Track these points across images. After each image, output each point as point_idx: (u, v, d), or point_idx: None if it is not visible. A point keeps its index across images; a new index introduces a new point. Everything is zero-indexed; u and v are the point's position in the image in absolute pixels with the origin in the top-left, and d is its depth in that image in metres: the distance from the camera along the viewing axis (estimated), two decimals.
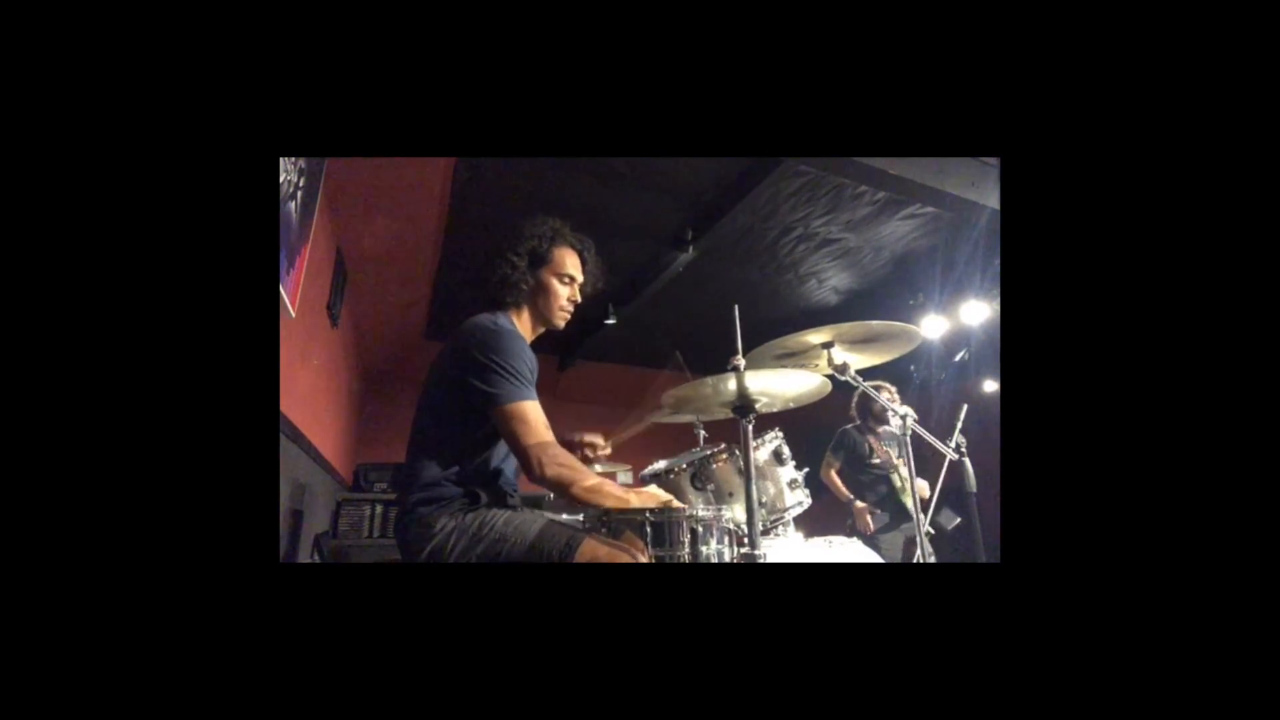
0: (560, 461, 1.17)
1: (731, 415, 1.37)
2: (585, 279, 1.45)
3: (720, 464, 1.60)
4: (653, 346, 4.98)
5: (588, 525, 1.38)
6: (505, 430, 1.19)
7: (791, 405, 1.51)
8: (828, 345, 1.64)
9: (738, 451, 1.54)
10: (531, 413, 1.19)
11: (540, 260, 1.38)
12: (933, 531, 1.86)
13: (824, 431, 3.68)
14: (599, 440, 1.51)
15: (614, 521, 1.29)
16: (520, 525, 1.19)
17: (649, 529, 1.23)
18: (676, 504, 1.26)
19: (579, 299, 1.45)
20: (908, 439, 1.76)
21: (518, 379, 1.21)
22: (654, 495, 1.27)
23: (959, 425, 1.93)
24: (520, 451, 1.18)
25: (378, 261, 3.43)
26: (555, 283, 1.39)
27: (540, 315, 1.41)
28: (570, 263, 1.41)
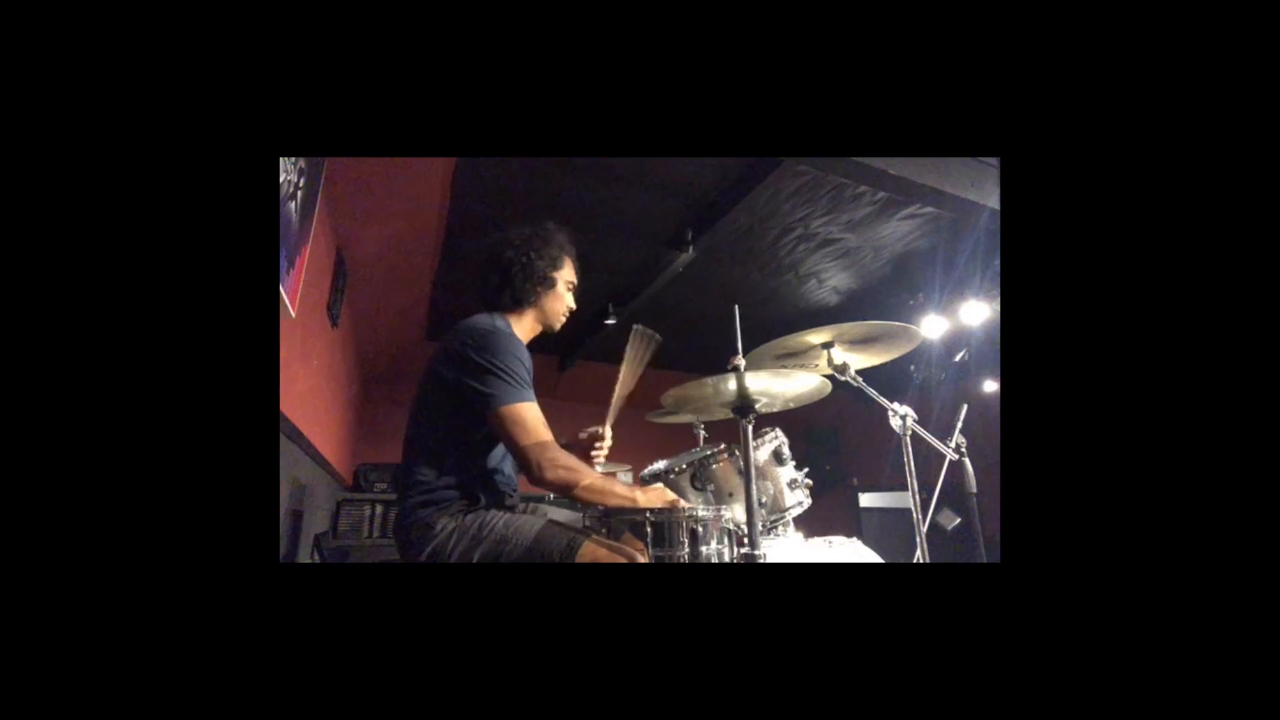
0: (560, 463, 1.16)
1: (731, 415, 1.38)
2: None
3: (720, 464, 1.60)
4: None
5: (588, 525, 1.38)
6: (503, 432, 1.19)
7: (791, 405, 1.51)
8: (828, 345, 1.64)
9: (738, 451, 1.54)
10: (530, 414, 1.19)
11: (555, 267, 1.43)
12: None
13: (824, 431, 3.68)
14: (598, 429, 1.51)
15: (614, 522, 1.29)
16: (520, 527, 1.19)
17: (649, 529, 1.23)
18: (682, 504, 1.26)
19: (574, 306, 1.51)
20: (908, 439, 1.76)
21: (515, 380, 1.20)
22: (661, 494, 1.26)
23: (959, 425, 1.93)
24: (519, 453, 1.17)
25: (378, 262, 3.43)
26: (564, 290, 1.46)
27: (544, 319, 1.45)
28: (575, 271, 1.49)
